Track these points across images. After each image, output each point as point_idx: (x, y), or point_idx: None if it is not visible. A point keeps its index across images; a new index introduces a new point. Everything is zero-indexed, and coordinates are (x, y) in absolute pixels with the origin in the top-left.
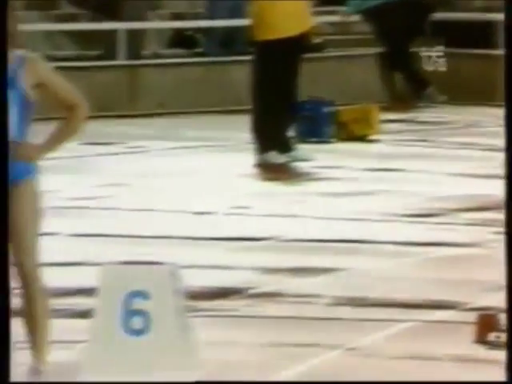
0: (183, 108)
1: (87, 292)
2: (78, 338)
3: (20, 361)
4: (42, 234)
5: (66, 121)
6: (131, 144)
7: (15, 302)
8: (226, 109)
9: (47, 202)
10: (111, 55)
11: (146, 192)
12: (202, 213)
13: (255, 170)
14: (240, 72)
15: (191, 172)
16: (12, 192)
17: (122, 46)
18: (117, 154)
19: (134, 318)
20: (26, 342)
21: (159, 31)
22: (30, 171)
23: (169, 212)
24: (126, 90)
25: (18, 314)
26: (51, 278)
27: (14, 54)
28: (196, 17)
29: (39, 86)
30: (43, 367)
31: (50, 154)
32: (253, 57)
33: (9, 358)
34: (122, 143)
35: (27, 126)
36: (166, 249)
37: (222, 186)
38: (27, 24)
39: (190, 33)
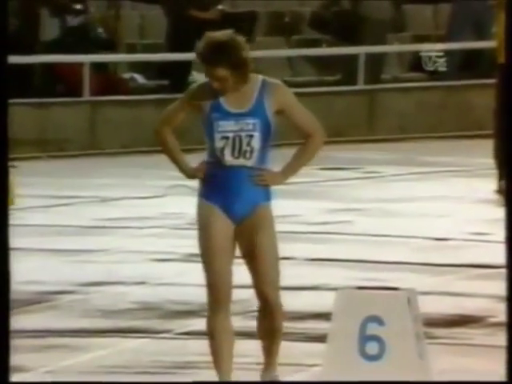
0: (423, 132)
1: (323, 316)
2: (312, 362)
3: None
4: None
5: (302, 148)
6: (368, 169)
7: (250, 324)
8: (466, 133)
9: (285, 226)
10: (350, 80)
11: (382, 218)
12: (439, 239)
13: (496, 196)
14: (481, 96)
15: (428, 198)
16: (250, 216)
17: (361, 71)
18: (354, 179)
19: (369, 343)
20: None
21: (400, 54)
22: (267, 196)
23: (404, 237)
24: (365, 114)
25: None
26: (287, 302)
27: (254, 78)
28: (440, 39)
29: (280, 112)
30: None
31: (289, 180)
32: (496, 80)
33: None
34: (360, 168)
35: (267, 152)
36: (401, 274)
37: (460, 211)
38: (270, 50)
39: (426, 55)
